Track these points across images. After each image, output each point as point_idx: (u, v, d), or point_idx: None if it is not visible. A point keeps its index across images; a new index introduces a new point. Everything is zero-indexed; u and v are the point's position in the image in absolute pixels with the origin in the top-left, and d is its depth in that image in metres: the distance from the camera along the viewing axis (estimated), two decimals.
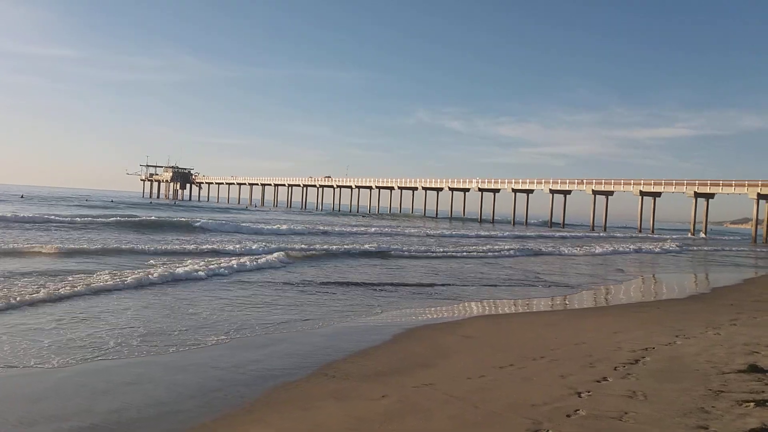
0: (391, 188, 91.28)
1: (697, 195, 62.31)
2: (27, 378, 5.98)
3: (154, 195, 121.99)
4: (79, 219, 29.09)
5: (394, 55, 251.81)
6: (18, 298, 9.42)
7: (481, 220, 77.51)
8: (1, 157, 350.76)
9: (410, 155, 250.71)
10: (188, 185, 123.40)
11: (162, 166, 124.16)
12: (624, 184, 68.30)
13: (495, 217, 79.26)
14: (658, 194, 66.33)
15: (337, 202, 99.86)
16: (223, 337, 8.01)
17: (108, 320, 8.67)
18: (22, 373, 6.12)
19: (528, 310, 12.07)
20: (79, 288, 10.70)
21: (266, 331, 8.56)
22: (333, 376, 6.45)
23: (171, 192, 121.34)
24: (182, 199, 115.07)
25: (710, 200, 63.18)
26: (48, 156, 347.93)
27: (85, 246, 18.38)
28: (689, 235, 62.07)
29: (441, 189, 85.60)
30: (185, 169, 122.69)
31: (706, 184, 61.65)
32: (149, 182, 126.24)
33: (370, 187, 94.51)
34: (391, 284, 14.44)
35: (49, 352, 6.83)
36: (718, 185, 61.07)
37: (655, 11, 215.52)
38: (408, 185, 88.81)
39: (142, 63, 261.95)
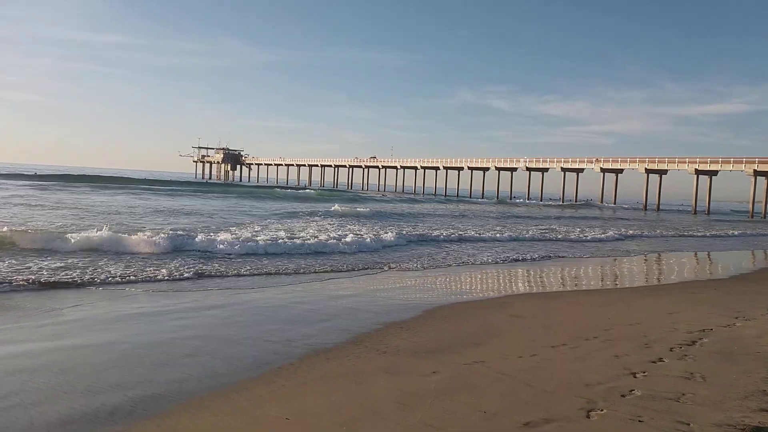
0: (437, 168, 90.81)
1: (756, 173, 59.68)
2: (93, 349, 6.27)
3: (206, 176, 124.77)
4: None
5: (435, 37, 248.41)
6: None
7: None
8: (61, 141, 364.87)
9: (454, 136, 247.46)
10: (239, 166, 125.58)
11: (213, 148, 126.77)
12: (678, 162, 66.01)
13: (543, 197, 77.92)
14: (714, 173, 63.82)
15: (382, 182, 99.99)
16: None
17: None
18: (87, 344, 6.42)
19: (577, 289, 11.89)
20: None
21: None
22: (384, 351, 6.52)
23: (222, 173, 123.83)
24: (233, 180, 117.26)
25: None
26: (105, 139, 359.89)
27: None
28: (749, 216, 59.55)
29: (487, 169, 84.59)
30: (236, 150, 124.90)
31: (767, 162, 58.96)
32: (201, 164, 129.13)
33: (415, 168, 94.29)
34: None
35: None
36: None
37: None
38: (454, 165, 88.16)
39: (187, 47, 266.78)
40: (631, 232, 28.68)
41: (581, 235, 24.72)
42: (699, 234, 31.38)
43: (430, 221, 28.96)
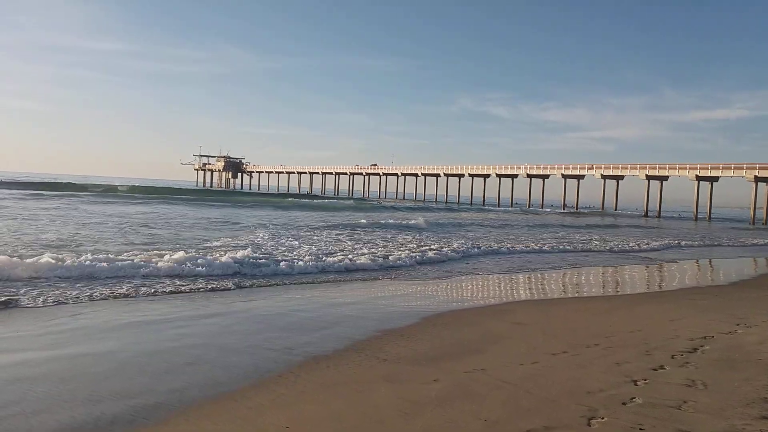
0: (437, 175, 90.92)
1: (757, 179, 59.59)
2: (93, 358, 6.26)
3: (207, 184, 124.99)
4: None
5: (434, 44, 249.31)
6: None
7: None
8: (62, 149, 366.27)
9: (454, 143, 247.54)
10: (240, 174, 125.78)
11: (214, 156, 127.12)
12: (679, 168, 66.01)
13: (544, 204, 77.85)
14: (715, 179, 63.80)
15: (383, 189, 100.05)
16: None
17: None
18: (87, 353, 6.42)
19: (578, 296, 11.87)
20: None
21: None
22: (384, 359, 6.52)
23: (223, 181, 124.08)
24: (234, 188, 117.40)
25: None
26: (105, 147, 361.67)
27: None
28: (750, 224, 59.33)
29: (488, 176, 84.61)
30: (236, 158, 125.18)
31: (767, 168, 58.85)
32: (202, 172, 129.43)
33: (416, 175, 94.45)
34: None
35: None
36: None
37: None
38: (454, 172, 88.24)
39: (187, 55, 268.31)
40: (684, 241, 28.81)
41: (635, 245, 24.96)
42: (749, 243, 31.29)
43: (478, 230, 29.49)
